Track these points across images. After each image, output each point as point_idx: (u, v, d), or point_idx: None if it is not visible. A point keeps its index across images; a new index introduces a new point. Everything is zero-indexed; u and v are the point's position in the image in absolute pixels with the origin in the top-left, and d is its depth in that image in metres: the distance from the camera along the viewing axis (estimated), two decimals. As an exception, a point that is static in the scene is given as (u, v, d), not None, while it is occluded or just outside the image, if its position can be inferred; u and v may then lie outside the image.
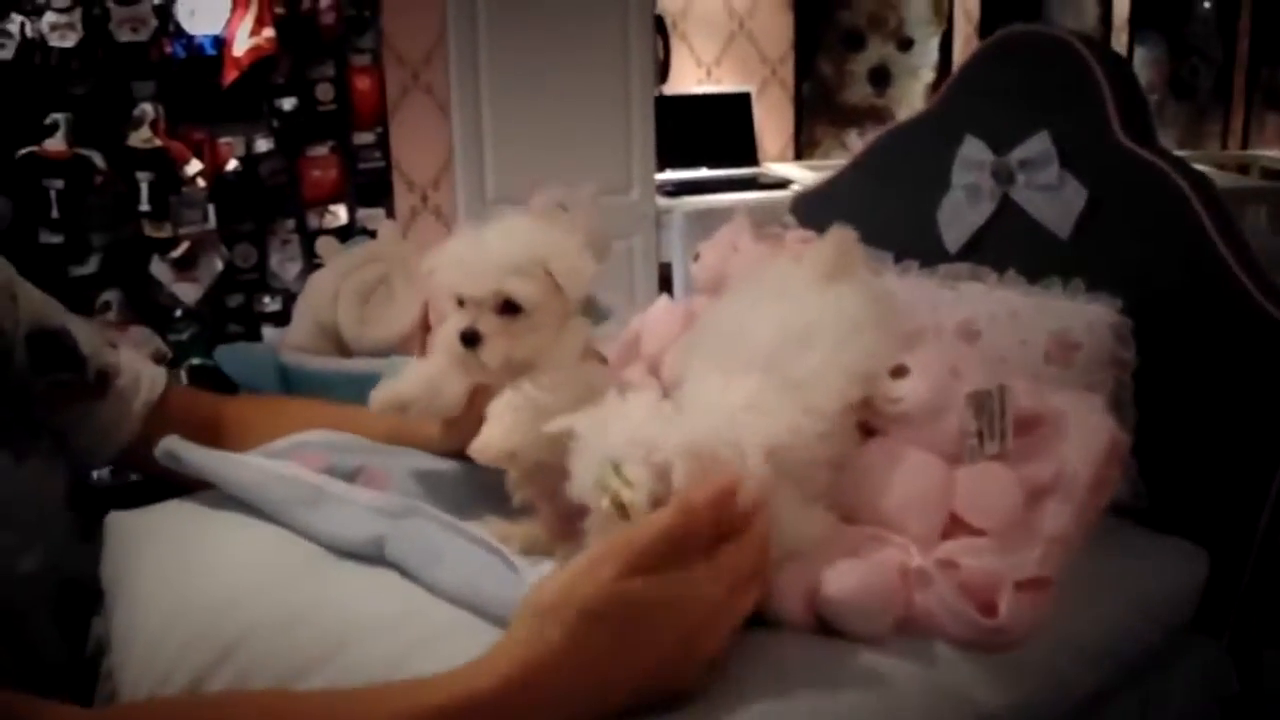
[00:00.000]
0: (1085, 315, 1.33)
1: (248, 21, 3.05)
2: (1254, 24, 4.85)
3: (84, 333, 1.23)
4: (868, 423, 1.15)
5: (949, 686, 1.01)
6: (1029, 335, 1.35)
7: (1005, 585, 1.03)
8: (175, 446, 1.18)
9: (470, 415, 1.08)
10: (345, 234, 3.18)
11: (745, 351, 1.13)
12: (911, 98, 4.43)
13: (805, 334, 1.13)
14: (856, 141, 4.42)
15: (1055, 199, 1.45)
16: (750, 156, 4.24)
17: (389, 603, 1.01)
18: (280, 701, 0.88)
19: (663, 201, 3.77)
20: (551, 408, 1.02)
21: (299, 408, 1.36)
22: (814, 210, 1.75)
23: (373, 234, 3.21)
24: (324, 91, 3.27)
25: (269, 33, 3.08)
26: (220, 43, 3.06)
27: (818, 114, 4.39)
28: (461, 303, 1.04)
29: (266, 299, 3.36)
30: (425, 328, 1.80)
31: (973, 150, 1.53)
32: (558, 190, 1.95)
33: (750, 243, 1.45)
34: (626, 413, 0.97)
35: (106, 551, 1.22)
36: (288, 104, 3.22)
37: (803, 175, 4.08)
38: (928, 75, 4.43)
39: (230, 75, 3.07)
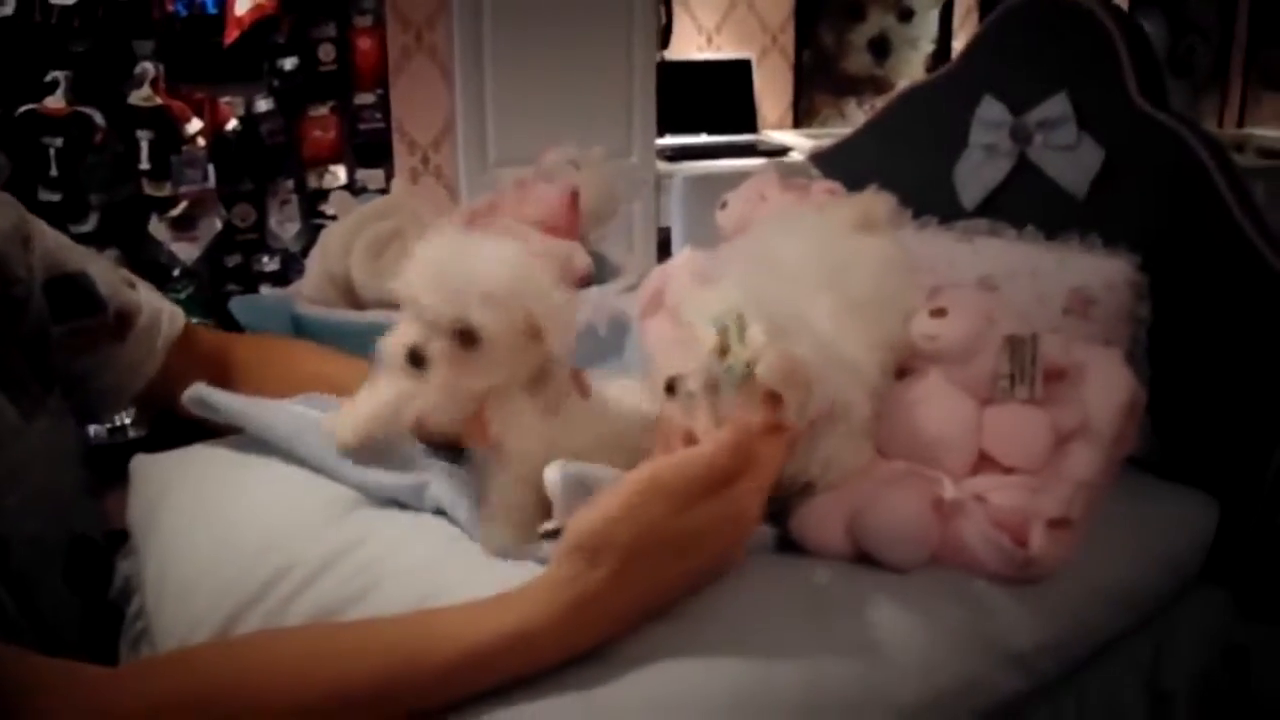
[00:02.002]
0: (1103, 271, 1.35)
1: (251, -20, 3.04)
2: (1253, 3, 4.87)
3: (103, 273, 1.21)
4: (902, 362, 1.18)
5: (981, 625, 1.05)
6: (1048, 290, 1.37)
7: (1037, 519, 1.06)
8: (205, 393, 1.18)
9: None
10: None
11: (783, 275, 1.15)
12: (911, 68, 4.44)
13: (844, 265, 1.15)
14: (855, 110, 4.43)
15: (1072, 159, 1.46)
16: (750, 123, 4.24)
17: (426, 545, 1.02)
18: (323, 641, 0.88)
19: (663, 166, 3.78)
20: (564, 444, 1.00)
21: (308, 350, 1.36)
22: (834, 165, 1.77)
23: (375, 193, 3.27)
24: (325, 52, 3.26)
25: (272, -9, 3.07)
26: (222, 1, 3.04)
27: (817, 83, 4.40)
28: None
29: (265, 259, 3.35)
30: None
31: (991, 110, 1.54)
32: (568, 149, 1.97)
33: (777, 192, 1.47)
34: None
35: (133, 494, 1.23)
36: (289, 64, 3.21)
37: (801, 143, 4.08)
38: (927, 46, 4.44)
39: (232, 34, 3.05)
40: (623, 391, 1.10)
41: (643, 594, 0.88)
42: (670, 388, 0.98)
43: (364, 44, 3.31)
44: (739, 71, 4.24)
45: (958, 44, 4.46)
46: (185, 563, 1.06)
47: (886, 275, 1.20)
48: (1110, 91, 1.43)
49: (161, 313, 1.26)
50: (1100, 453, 1.17)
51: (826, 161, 1.82)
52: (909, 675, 0.98)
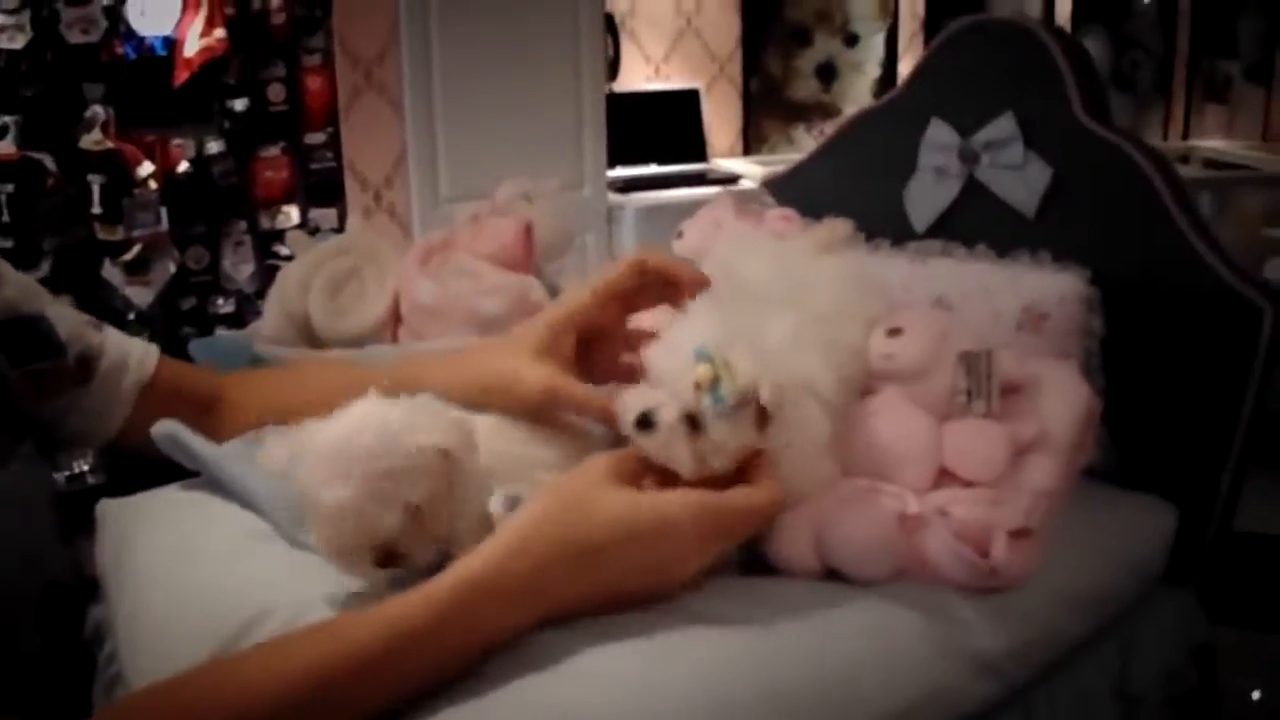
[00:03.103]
0: (1055, 287, 1.38)
1: (198, 22, 3.02)
2: (1194, 17, 4.96)
3: (65, 317, 1.19)
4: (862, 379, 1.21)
5: (950, 634, 1.07)
6: (1001, 307, 1.40)
7: (998, 530, 1.09)
8: (177, 434, 1.18)
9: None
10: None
11: (745, 294, 1.17)
12: (857, 93, 4.49)
13: (804, 281, 1.18)
14: (804, 136, 4.47)
15: (1020, 178, 1.49)
16: (699, 152, 4.27)
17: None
18: (266, 651, 0.90)
19: (614, 198, 3.80)
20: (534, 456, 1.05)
21: (291, 383, 1.32)
22: (787, 191, 1.80)
23: (329, 232, 3.27)
24: (275, 92, 3.25)
25: (220, 33, 3.05)
26: (171, 44, 3.03)
27: (765, 110, 4.44)
28: None
29: (220, 301, 3.33)
30: (396, 319, 1.83)
31: (939, 133, 1.58)
32: (522, 183, 1.98)
33: (733, 219, 1.49)
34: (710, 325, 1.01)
35: (101, 538, 1.23)
36: (239, 105, 3.20)
37: (751, 170, 4.12)
38: (874, 70, 4.49)
39: (181, 76, 3.04)
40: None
41: (545, 596, 0.94)
42: (644, 422, 0.99)
43: (313, 83, 3.31)
44: (687, 101, 4.27)
45: (903, 67, 4.52)
46: (158, 608, 1.06)
47: (846, 290, 1.23)
48: (1055, 110, 1.46)
49: (129, 355, 1.23)
50: (1058, 463, 1.20)
51: (780, 188, 1.84)
52: (877, 685, 1.01)
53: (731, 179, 4.09)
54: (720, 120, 4.39)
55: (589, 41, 3.58)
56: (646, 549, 0.96)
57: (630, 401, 1.00)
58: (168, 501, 1.22)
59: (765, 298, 1.17)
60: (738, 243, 1.31)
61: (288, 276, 1.80)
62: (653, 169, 4.17)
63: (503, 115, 3.49)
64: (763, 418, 0.97)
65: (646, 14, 4.24)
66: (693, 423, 0.97)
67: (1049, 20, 4.53)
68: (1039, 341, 1.36)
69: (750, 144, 4.44)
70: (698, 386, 0.96)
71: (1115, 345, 1.39)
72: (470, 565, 0.92)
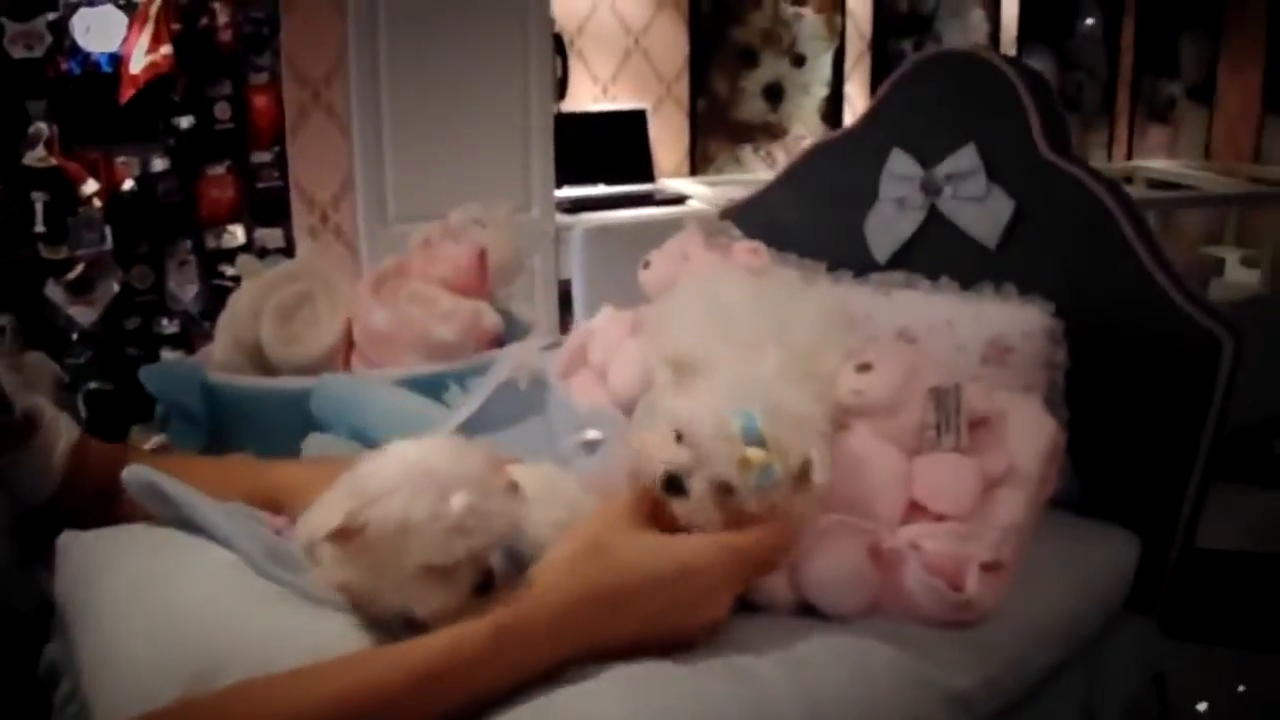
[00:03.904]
0: (1020, 320, 1.40)
1: (144, 39, 2.98)
2: (1137, 38, 5.06)
3: (3, 373, 1.20)
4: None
5: (923, 669, 1.08)
6: (965, 340, 1.41)
7: (970, 564, 1.10)
8: (151, 475, 1.15)
9: None
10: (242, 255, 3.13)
11: (732, 330, 1.18)
12: (804, 113, 4.52)
13: (785, 316, 1.19)
14: (751, 157, 4.50)
15: (983, 210, 1.51)
16: (646, 173, 4.28)
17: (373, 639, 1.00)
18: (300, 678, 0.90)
19: (562, 219, 3.79)
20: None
21: (210, 469, 1.31)
22: (745, 220, 1.80)
23: (275, 252, 3.24)
24: (221, 110, 3.22)
25: (166, 50, 3.02)
26: (117, 60, 2.99)
27: (712, 130, 4.45)
28: None
29: (164, 321, 3.28)
30: (349, 346, 1.81)
31: (900, 164, 1.59)
32: (473, 208, 1.98)
33: (701, 251, 1.49)
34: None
35: (62, 572, 1.20)
36: (185, 122, 3.16)
37: (698, 190, 4.14)
38: (821, 91, 4.52)
39: (127, 93, 3.00)
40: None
41: (573, 641, 0.94)
42: (674, 486, 1.00)
43: (260, 101, 3.27)
44: (634, 122, 4.28)
45: (850, 88, 4.56)
46: (127, 643, 1.03)
47: (827, 322, 1.24)
48: (1017, 142, 1.48)
49: (59, 419, 1.23)
50: (1026, 496, 1.21)
51: (737, 217, 1.85)
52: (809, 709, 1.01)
53: (679, 199, 4.10)
54: (667, 141, 4.40)
55: (538, 62, 3.57)
56: (674, 592, 0.98)
57: (652, 448, 1.01)
58: (133, 535, 1.20)
59: (750, 330, 1.18)
60: (720, 273, 1.32)
61: (238, 303, 1.78)
62: (599, 189, 4.17)
63: (451, 136, 3.47)
64: (804, 484, 1.00)
65: (594, 34, 4.24)
66: (725, 489, 0.98)
67: (994, 42, 4.60)
68: (1004, 374, 1.38)
69: (697, 164, 4.46)
70: (747, 464, 0.97)
71: (1077, 375, 1.41)
72: (500, 611, 0.92)
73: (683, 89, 4.41)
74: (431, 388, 1.69)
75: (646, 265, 1.53)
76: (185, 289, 3.27)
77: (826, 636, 1.07)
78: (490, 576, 0.94)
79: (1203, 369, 1.34)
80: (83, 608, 1.12)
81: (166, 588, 1.09)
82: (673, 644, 1.00)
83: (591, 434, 1.28)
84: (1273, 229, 4.62)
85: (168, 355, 3.16)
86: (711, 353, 1.13)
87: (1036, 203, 1.48)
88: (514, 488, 0.98)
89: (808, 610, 1.10)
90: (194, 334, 3.18)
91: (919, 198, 1.57)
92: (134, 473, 1.14)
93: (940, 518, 1.17)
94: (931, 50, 1.63)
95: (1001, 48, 4.81)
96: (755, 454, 0.97)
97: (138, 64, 2.98)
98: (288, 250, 3.34)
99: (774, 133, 4.50)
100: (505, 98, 3.54)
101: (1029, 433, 1.25)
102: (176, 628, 1.02)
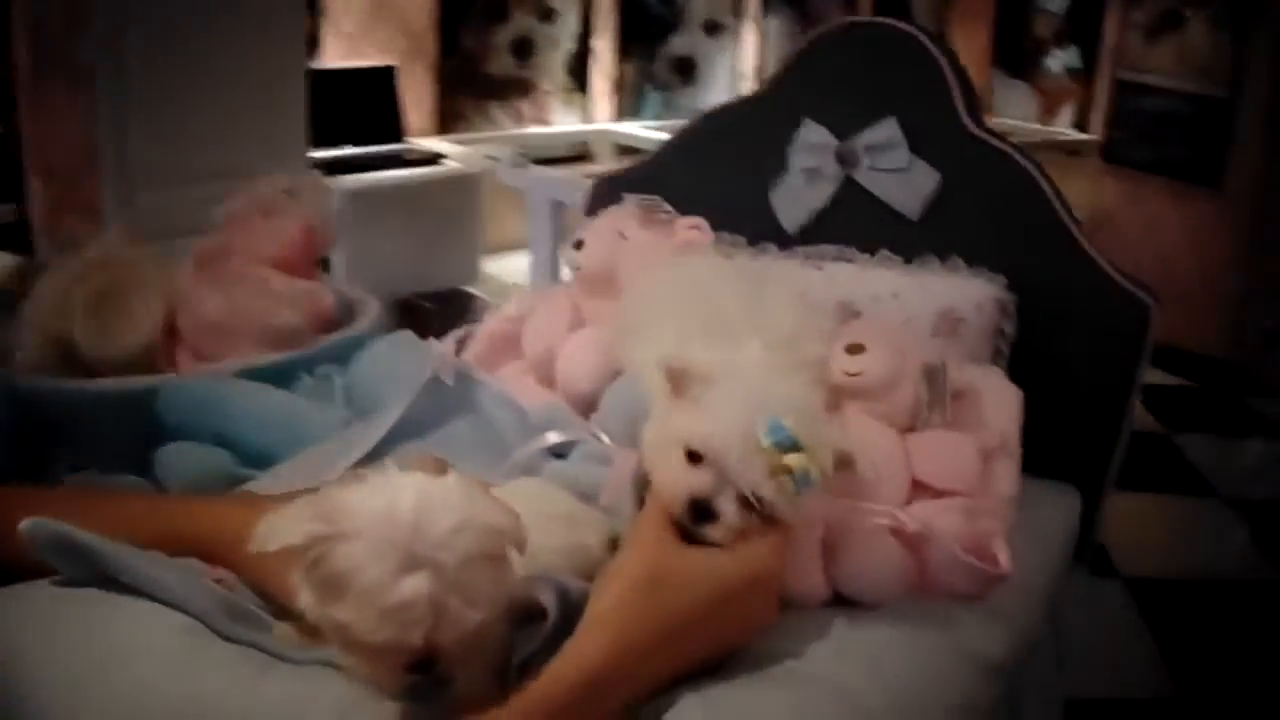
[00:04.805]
0: (970, 292, 1.43)
1: None
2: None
3: None
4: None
5: (962, 643, 1.10)
6: (914, 313, 1.43)
7: (997, 538, 1.12)
8: (57, 527, 0.98)
9: None
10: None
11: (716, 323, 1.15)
12: (553, 68, 4.47)
13: (761, 304, 1.17)
14: (500, 114, 4.41)
15: (904, 181, 1.53)
16: (395, 132, 4.12)
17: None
18: None
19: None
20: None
21: (106, 509, 1.10)
22: (635, 188, 1.74)
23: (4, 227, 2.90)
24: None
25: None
26: None
27: (461, 87, 4.33)
28: None
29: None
30: (172, 336, 1.66)
31: (813, 134, 1.59)
32: (279, 179, 1.86)
33: (637, 229, 1.42)
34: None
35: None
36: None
37: (450, 149, 4.02)
38: (569, 45, 4.48)
39: None
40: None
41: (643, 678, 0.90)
42: (703, 514, 0.95)
43: (-18, 60, 2.93)
44: (382, 79, 4.10)
45: (597, 43, 4.53)
46: (61, 706, 0.89)
47: (801, 308, 1.22)
48: (941, 116, 1.51)
49: None
50: (1017, 466, 1.25)
51: (625, 184, 1.80)
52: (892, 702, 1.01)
53: (431, 159, 3.97)
54: (415, 98, 4.24)
55: (288, 17, 3.36)
56: (745, 604, 0.95)
57: (667, 479, 0.96)
58: (60, 601, 1.02)
59: (731, 322, 1.15)
60: (694, 260, 1.28)
61: (39, 298, 1.63)
62: (349, 150, 3.98)
63: (200, 99, 3.22)
64: (844, 474, 0.98)
65: (342, -14, 4.02)
66: (755, 502, 0.94)
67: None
68: (955, 346, 1.40)
69: (446, 122, 4.32)
70: (786, 471, 0.93)
71: (1015, 342, 1.46)
72: (564, 670, 0.85)
73: (431, 44, 4.25)
74: (280, 378, 1.59)
75: (579, 245, 1.44)
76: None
77: (872, 627, 1.06)
78: (430, 660, 0.81)
79: (1132, 330, 1.42)
80: (18, 701, 0.95)
81: (100, 648, 0.93)
82: (729, 655, 0.97)
83: (554, 437, 1.20)
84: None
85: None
86: (710, 357, 1.09)
87: (962, 175, 1.51)
88: (509, 552, 0.86)
89: (838, 599, 1.09)
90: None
91: (833, 168, 1.57)
92: (39, 525, 0.96)
93: (939, 494, 1.18)
94: (846, 21, 1.63)
95: (744, 6, 4.91)
96: (795, 459, 0.94)
97: None
98: (22, 228, 3.04)
99: (524, 89, 4.44)
100: (254, 56, 3.32)
101: (1003, 404, 1.28)
102: (109, 692, 0.89)
